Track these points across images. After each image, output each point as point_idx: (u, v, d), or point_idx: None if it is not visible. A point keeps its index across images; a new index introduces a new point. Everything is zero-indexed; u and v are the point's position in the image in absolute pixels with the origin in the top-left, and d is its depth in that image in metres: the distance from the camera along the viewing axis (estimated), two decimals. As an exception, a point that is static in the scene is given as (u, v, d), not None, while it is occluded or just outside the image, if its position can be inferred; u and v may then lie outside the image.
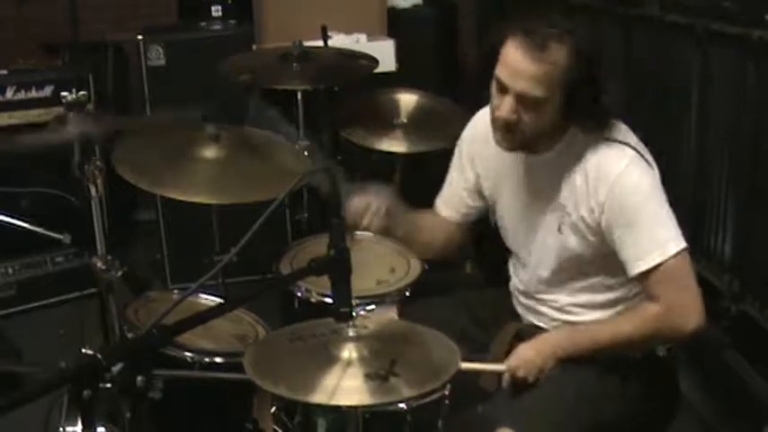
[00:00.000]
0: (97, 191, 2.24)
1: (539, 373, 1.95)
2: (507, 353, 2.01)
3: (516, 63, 1.88)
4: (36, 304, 3.74)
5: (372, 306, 2.35)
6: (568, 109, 1.90)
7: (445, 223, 2.29)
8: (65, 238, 2.73)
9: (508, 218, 2.16)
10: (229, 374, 2.11)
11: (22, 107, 3.65)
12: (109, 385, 1.41)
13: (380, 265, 2.61)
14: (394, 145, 3.02)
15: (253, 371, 1.70)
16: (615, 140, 1.95)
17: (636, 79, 3.21)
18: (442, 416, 1.94)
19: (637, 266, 1.89)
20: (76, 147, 2.21)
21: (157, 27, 3.98)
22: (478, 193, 2.23)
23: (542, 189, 2.04)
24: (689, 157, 2.98)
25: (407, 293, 2.47)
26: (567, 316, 2.08)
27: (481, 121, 2.10)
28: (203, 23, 3.89)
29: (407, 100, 3.16)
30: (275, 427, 2.14)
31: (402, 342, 1.81)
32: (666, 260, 1.87)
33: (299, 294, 2.46)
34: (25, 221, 2.78)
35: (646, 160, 1.95)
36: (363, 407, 1.81)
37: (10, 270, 3.71)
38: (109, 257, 2.28)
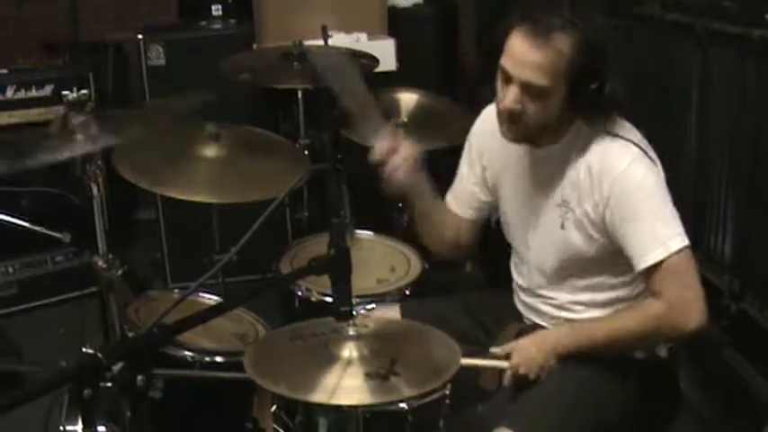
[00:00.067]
0: (98, 190, 2.24)
1: (540, 370, 1.95)
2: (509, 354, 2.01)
3: (521, 52, 1.88)
4: (36, 303, 3.74)
5: (372, 305, 2.35)
6: (573, 100, 1.90)
7: (456, 219, 2.27)
8: (65, 237, 2.74)
9: (511, 212, 2.16)
10: (230, 374, 2.11)
11: (23, 106, 3.65)
12: (109, 384, 1.41)
13: (381, 264, 2.61)
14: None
15: (253, 370, 1.70)
16: (620, 136, 1.95)
17: (636, 79, 3.21)
18: (443, 415, 1.94)
19: (643, 261, 1.89)
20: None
21: (157, 26, 3.98)
22: (488, 187, 2.23)
23: (546, 184, 2.04)
24: (689, 156, 2.98)
25: (408, 292, 2.47)
26: (568, 314, 2.08)
27: (489, 115, 2.10)
28: (203, 23, 3.89)
29: (408, 99, 3.16)
30: (275, 426, 2.14)
31: (402, 341, 1.81)
32: (670, 256, 1.87)
33: (300, 293, 2.46)
34: (26, 221, 2.79)
35: (650, 157, 1.95)
36: (364, 406, 1.81)
37: (10, 269, 3.70)
38: (109, 256, 2.27)
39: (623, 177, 1.90)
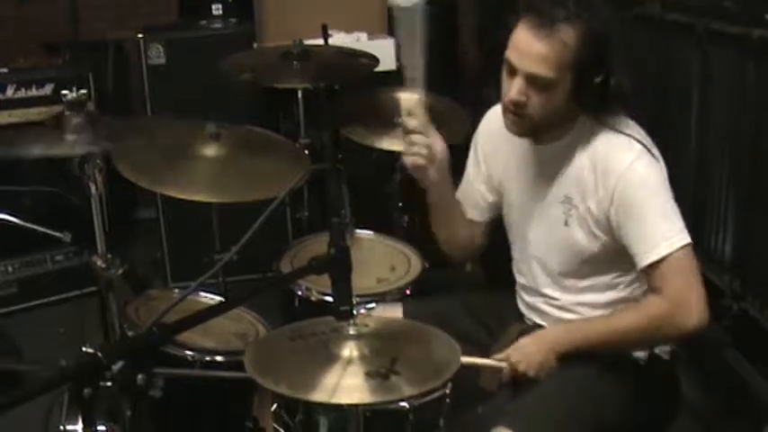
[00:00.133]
0: (97, 189, 2.24)
1: (539, 368, 1.95)
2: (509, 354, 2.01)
3: (526, 44, 1.88)
4: (36, 302, 3.74)
5: (373, 304, 2.35)
6: (578, 92, 1.90)
7: (468, 219, 2.28)
8: (65, 236, 2.73)
9: (515, 209, 2.16)
10: (230, 373, 2.11)
11: (23, 105, 3.66)
12: (109, 384, 1.41)
13: (381, 264, 2.61)
14: (394, 144, 3.00)
15: (253, 369, 1.70)
16: (623, 133, 1.95)
17: (636, 79, 3.21)
18: (443, 414, 1.94)
19: (646, 258, 1.89)
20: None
21: (158, 26, 3.99)
22: (495, 186, 2.22)
23: (550, 180, 2.04)
24: (689, 156, 2.98)
25: (408, 292, 2.47)
26: (570, 314, 2.08)
27: (494, 115, 2.10)
28: (204, 22, 3.88)
29: (408, 99, 3.15)
30: (275, 425, 2.14)
31: (403, 340, 1.81)
32: (672, 252, 1.87)
33: (300, 293, 2.46)
34: (26, 220, 2.78)
35: (653, 154, 1.95)
36: (364, 405, 1.81)
37: (10, 268, 3.71)
38: (109, 256, 2.28)
39: (627, 174, 1.90)
